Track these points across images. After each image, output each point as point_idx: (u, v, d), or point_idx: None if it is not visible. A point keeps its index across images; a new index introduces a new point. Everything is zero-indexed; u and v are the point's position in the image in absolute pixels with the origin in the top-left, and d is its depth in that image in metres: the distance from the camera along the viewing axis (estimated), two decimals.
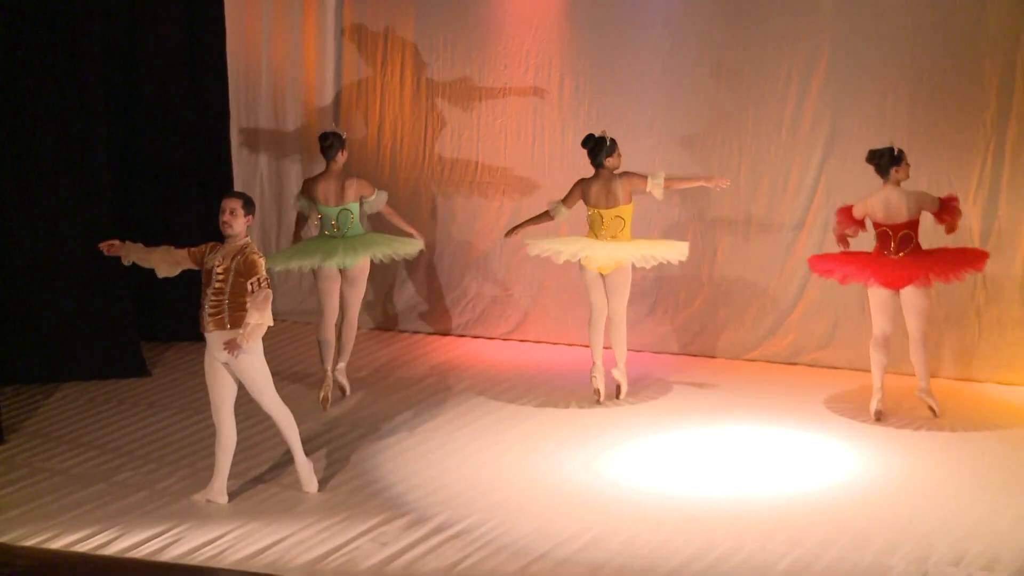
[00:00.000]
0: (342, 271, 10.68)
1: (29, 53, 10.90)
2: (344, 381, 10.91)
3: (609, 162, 10.58)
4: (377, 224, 11.73)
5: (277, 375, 11.20)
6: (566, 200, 10.70)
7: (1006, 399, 10.73)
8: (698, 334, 11.91)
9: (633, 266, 10.64)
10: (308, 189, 10.81)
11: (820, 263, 10.38)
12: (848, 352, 11.42)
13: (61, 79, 11.01)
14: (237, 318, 8.54)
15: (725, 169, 11.59)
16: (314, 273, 10.76)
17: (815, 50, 11.38)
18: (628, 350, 11.03)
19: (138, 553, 8.11)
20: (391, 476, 9.26)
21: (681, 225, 11.87)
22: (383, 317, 12.81)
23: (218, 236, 8.80)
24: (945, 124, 11.10)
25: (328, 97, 12.88)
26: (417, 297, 12.77)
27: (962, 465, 9.42)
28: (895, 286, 10.06)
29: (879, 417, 10.15)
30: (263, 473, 9.28)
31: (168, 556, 8.07)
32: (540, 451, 9.67)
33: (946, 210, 10.10)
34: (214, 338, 8.66)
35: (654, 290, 12.04)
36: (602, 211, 10.59)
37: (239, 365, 8.64)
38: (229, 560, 7.99)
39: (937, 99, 11.12)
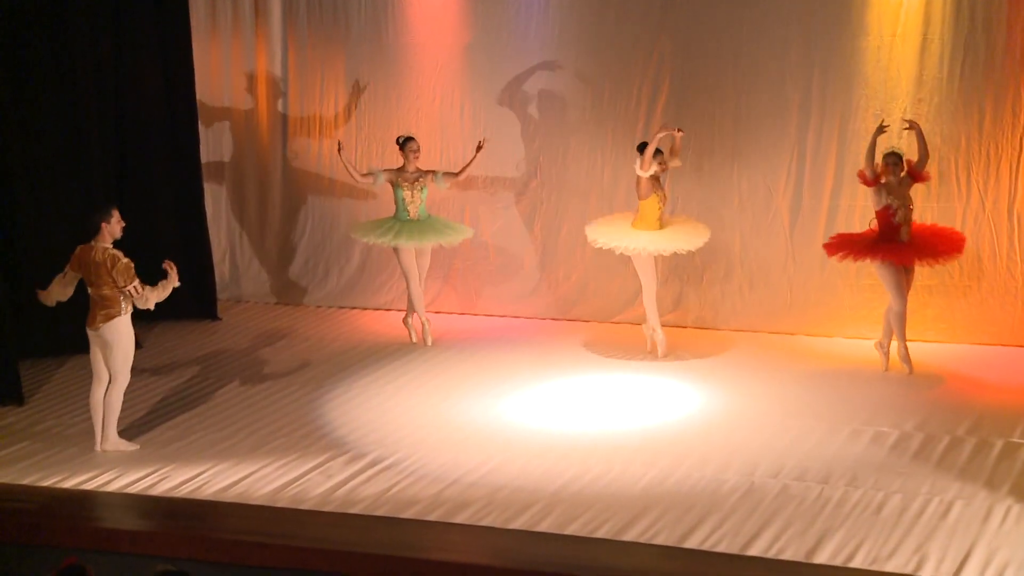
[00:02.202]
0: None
1: (39, 91, 10.76)
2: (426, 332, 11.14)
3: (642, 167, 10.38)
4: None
5: (249, 343, 11.14)
6: None
7: (813, 347, 10.82)
8: (575, 302, 11.92)
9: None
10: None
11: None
12: (690, 314, 11.47)
13: (64, 125, 10.88)
14: None
15: (590, 173, 11.67)
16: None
17: (658, 77, 11.39)
18: (520, 317, 11.12)
19: (133, 489, 8.04)
20: (334, 422, 9.20)
21: (561, 217, 11.88)
22: (327, 296, 12.70)
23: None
24: (759, 136, 11.14)
25: (278, 126, 12.72)
26: (352, 279, 12.67)
27: (778, 400, 9.49)
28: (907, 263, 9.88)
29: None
30: (231, 423, 9.18)
31: (157, 491, 8.01)
32: (452, 399, 9.64)
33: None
34: None
35: (540, 269, 12.03)
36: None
37: None
38: (207, 493, 7.93)
39: (753, 116, 11.15)
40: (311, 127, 12.61)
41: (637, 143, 11.29)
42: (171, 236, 11.97)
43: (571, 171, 11.77)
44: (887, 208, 9.88)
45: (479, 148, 10.96)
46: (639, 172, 10.35)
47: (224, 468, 8.28)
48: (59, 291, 8.80)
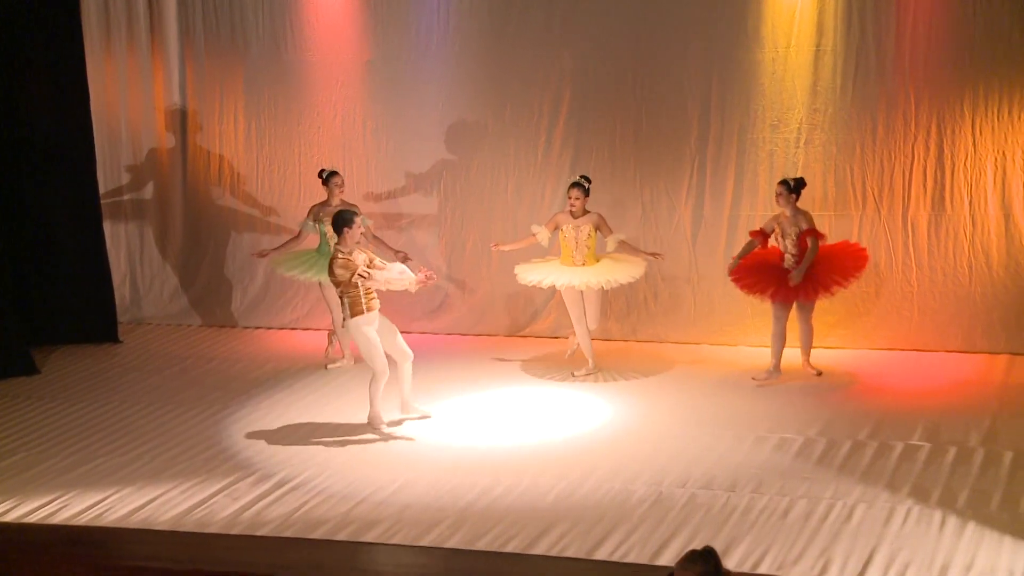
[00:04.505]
0: None
1: None
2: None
3: None
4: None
5: (152, 366, 10.98)
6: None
7: (717, 356, 10.96)
8: (481, 317, 11.93)
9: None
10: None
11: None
12: (599, 326, 11.53)
13: None
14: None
15: (494, 187, 11.73)
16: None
17: (559, 93, 11.46)
18: (427, 333, 11.20)
19: (33, 518, 7.86)
20: (240, 443, 9.11)
21: (465, 232, 11.89)
22: (231, 316, 12.58)
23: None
24: (660, 147, 11.27)
25: (177, 144, 12.57)
26: (256, 298, 12.56)
27: (685, 410, 9.57)
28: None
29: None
30: (134, 448, 9.03)
31: (58, 519, 7.84)
32: (359, 417, 9.56)
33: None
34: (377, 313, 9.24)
35: (446, 284, 12.03)
36: None
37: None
38: (109, 519, 7.79)
39: (653, 129, 11.27)
40: (210, 145, 12.48)
41: (539, 159, 11.44)
42: (69, 259, 11.79)
43: (474, 186, 11.80)
44: (775, 235, 10.06)
45: (404, 259, 10.82)
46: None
47: (127, 493, 8.15)
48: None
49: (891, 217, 10.81)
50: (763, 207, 10.98)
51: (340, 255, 9.07)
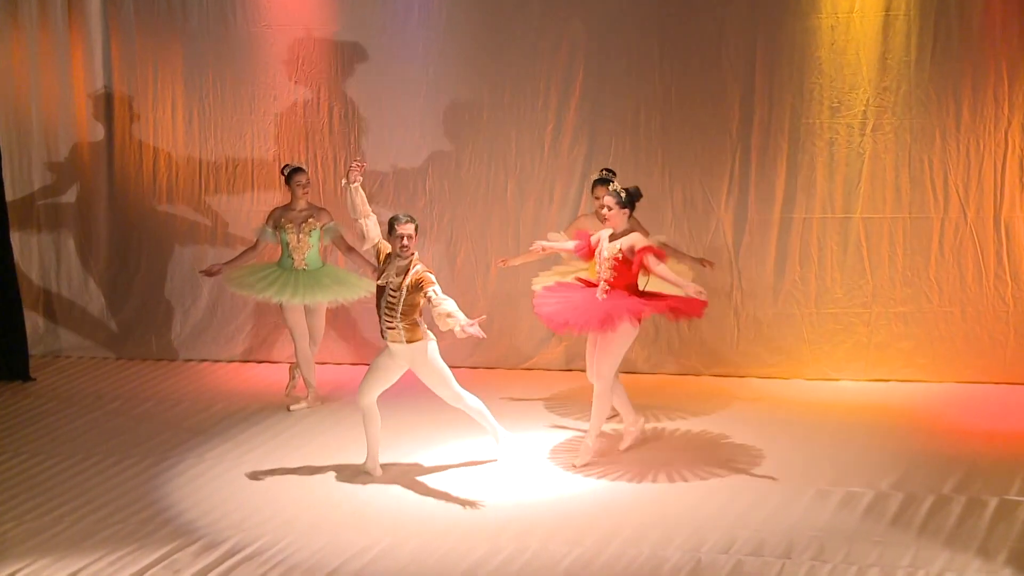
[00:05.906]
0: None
1: None
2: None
3: None
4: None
5: (73, 408, 10.96)
6: None
7: (767, 392, 10.94)
8: (476, 346, 11.92)
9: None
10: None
11: None
12: None
13: None
14: (411, 333, 9.20)
15: (491, 186, 11.76)
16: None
17: (570, 72, 11.51)
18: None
19: None
20: (183, 503, 9.06)
21: (456, 242, 11.90)
22: (169, 346, 12.58)
23: None
24: (694, 136, 11.31)
25: (101, 139, 12.59)
26: (200, 325, 12.57)
27: (726, 457, 9.55)
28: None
29: None
30: (53, 508, 9.01)
31: None
32: (327, 469, 9.56)
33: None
34: (395, 347, 9.28)
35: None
36: None
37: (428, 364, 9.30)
38: None
39: (686, 113, 11.32)
40: (143, 136, 12.50)
41: (546, 151, 11.45)
42: None
43: (467, 186, 11.81)
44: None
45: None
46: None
47: (42, 566, 8.09)
48: None
49: (980, 220, 10.81)
50: (820, 208, 10.99)
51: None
